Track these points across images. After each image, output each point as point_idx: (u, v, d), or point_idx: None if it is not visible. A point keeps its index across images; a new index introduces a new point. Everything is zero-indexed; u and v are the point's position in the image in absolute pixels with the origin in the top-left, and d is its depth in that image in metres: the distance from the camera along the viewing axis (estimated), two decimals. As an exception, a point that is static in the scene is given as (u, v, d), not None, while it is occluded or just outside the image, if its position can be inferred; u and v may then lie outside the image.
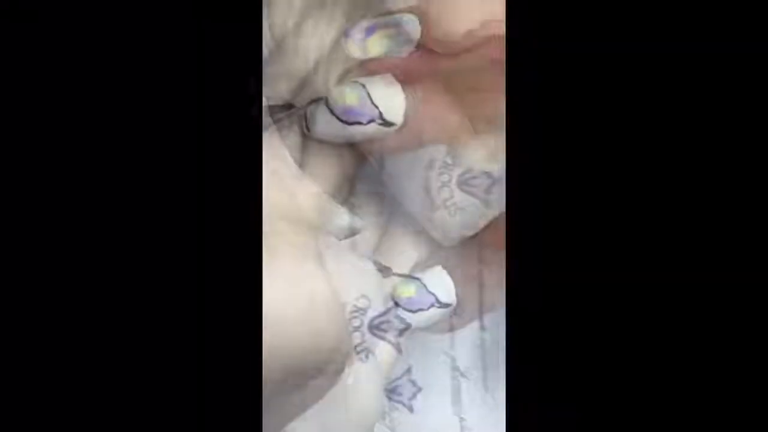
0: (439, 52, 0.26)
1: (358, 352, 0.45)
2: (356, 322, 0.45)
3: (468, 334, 0.44)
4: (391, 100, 0.26)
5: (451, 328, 0.43)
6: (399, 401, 0.44)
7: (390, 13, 0.26)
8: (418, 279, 0.28)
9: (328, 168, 0.28)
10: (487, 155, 0.28)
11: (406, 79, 0.26)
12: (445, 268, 0.43)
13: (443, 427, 0.44)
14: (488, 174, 0.44)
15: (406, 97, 0.26)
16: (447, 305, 0.28)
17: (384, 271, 0.43)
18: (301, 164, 0.27)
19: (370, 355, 0.45)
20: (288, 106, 0.27)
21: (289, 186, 0.27)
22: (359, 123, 0.26)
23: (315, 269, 0.23)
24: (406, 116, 0.26)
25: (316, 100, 0.26)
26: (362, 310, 0.45)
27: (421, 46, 0.26)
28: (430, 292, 0.27)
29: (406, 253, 0.44)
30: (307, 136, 0.27)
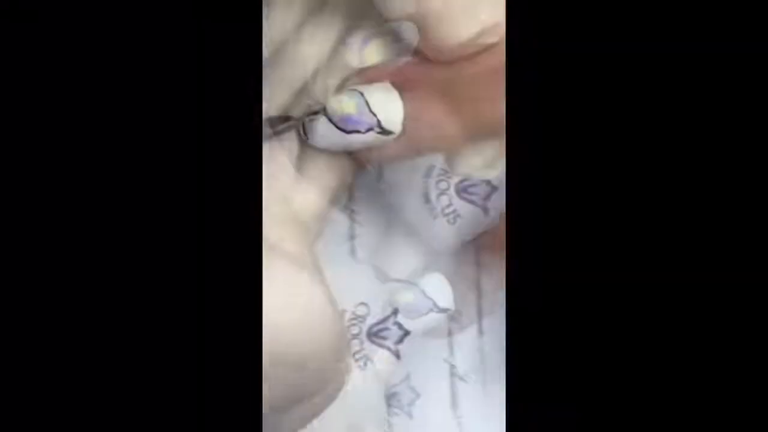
0: (438, 60, 0.26)
1: (356, 360, 0.45)
2: (355, 330, 0.45)
3: (466, 340, 0.44)
4: (389, 108, 0.26)
5: (450, 334, 0.43)
6: (398, 408, 0.44)
7: (388, 21, 0.26)
8: (416, 285, 0.28)
9: (326, 176, 0.28)
10: (485, 163, 0.28)
11: (404, 87, 0.26)
12: (443, 273, 0.43)
13: (442, 433, 0.44)
14: (487, 181, 0.44)
15: (405, 106, 0.26)
16: (445, 310, 0.28)
17: (382, 277, 0.43)
18: (300, 172, 0.27)
19: (369, 363, 0.45)
20: (286, 118, 0.27)
21: (287, 193, 0.27)
22: (357, 131, 0.26)
23: (312, 278, 0.23)
24: (404, 125, 0.26)
25: (314, 113, 0.26)
26: (361, 318, 0.45)
27: (420, 54, 0.26)
28: (428, 298, 0.27)
29: (404, 260, 0.44)
30: (305, 144, 0.27)
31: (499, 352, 0.43)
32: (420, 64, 0.26)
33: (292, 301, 0.23)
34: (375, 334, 0.44)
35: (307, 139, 0.26)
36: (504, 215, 0.43)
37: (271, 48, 0.30)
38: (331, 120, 0.26)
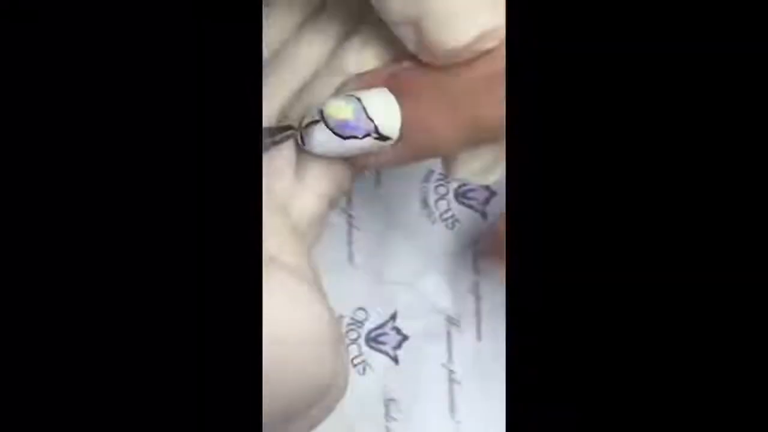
0: (436, 65, 0.26)
1: (355, 365, 0.45)
2: (353, 335, 0.45)
3: (465, 345, 0.43)
4: (386, 114, 0.26)
5: (449, 339, 0.43)
6: (396, 413, 0.44)
7: (386, 25, 0.26)
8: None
9: (323, 182, 0.27)
10: (484, 168, 0.28)
11: (401, 92, 0.26)
12: (442, 277, 0.43)
13: (441, 438, 0.44)
14: (486, 186, 0.44)
15: (402, 111, 0.26)
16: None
17: (380, 279, 0.43)
18: (297, 179, 0.27)
19: (368, 368, 0.45)
20: (284, 128, 0.27)
21: (285, 201, 0.27)
22: (355, 137, 0.26)
23: (311, 290, 0.23)
24: (401, 130, 0.26)
25: (312, 123, 0.26)
26: (359, 323, 0.45)
27: (417, 59, 0.26)
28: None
29: (403, 265, 0.44)
30: (302, 150, 0.27)
31: (497, 357, 0.43)
32: (418, 69, 0.26)
33: (291, 314, 0.23)
34: (373, 339, 0.44)
35: (304, 145, 0.26)
36: (503, 219, 0.43)
37: (269, 51, 0.30)
38: (328, 126, 0.26)
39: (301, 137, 0.26)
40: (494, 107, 0.25)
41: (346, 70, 0.27)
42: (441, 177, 0.43)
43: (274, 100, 0.28)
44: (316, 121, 0.26)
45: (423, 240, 0.43)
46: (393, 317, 0.44)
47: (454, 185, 0.43)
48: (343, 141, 0.26)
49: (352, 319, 0.44)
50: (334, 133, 0.26)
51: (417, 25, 0.25)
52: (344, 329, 0.43)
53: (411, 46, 0.26)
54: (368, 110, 0.26)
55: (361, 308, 0.44)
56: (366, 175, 0.41)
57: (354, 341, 0.44)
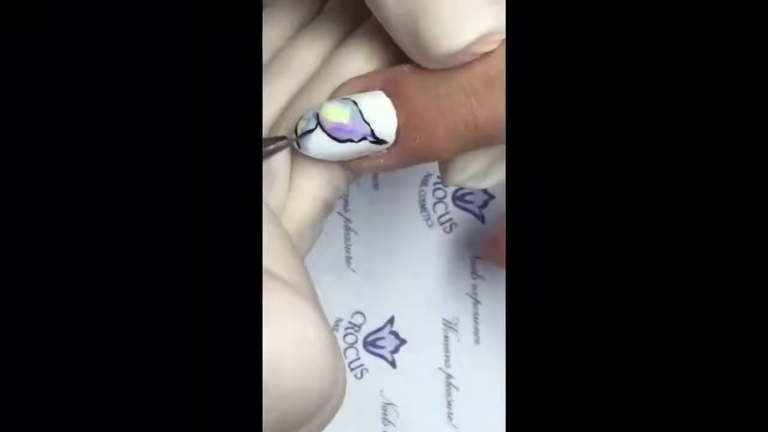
0: (433, 69, 0.26)
1: (352, 369, 0.45)
2: (351, 339, 0.45)
3: (463, 349, 0.43)
4: (383, 117, 0.26)
5: (446, 343, 0.43)
6: (393, 418, 0.44)
7: (383, 29, 0.26)
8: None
9: (319, 186, 0.27)
10: (481, 172, 0.28)
11: (397, 96, 0.26)
12: (439, 283, 0.43)
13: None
14: (484, 190, 0.44)
15: (398, 115, 0.26)
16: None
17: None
18: (292, 182, 0.27)
19: (365, 372, 0.45)
20: (277, 139, 0.27)
21: (280, 206, 0.27)
22: (351, 140, 0.26)
23: (305, 304, 0.23)
24: (398, 134, 0.26)
25: (307, 132, 0.26)
26: (357, 327, 0.45)
27: (414, 63, 0.26)
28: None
29: (400, 267, 0.44)
30: (297, 153, 0.27)
31: (495, 361, 0.43)
32: (415, 73, 0.26)
33: (286, 328, 0.23)
34: (371, 343, 0.44)
35: (300, 148, 0.26)
36: (502, 222, 0.43)
37: (268, 54, 0.30)
38: (324, 129, 0.26)
39: (297, 140, 0.26)
40: (492, 110, 0.25)
41: (343, 74, 0.27)
42: (439, 180, 0.43)
43: (272, 103, 0.28)
44: (311, 131, 0.26)
45: (421, 243, 0.43)
46: (390, 321, 0.44)
47: (452, 188, 0.43)
48: (340, 144, 0.26)
49: (350, 323, 0.44)
50: (331, 136, 0.26)
51: (414, 29, 0.25)
52: (342, 333, 0.44)
53: (408, 50, 0.26)
54: (365, 113, 0.26)
55: (358, 312, 0.44)
56: (364, 178, 0.41)
57: (351, 345, 0.44)
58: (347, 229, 0.43)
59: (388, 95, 0.26)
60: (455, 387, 0.43)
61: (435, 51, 0.25)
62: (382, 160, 0.27)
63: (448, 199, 0.44)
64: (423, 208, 0.44)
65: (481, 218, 0.43)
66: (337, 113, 0.26)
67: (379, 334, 0.44)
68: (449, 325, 0.43)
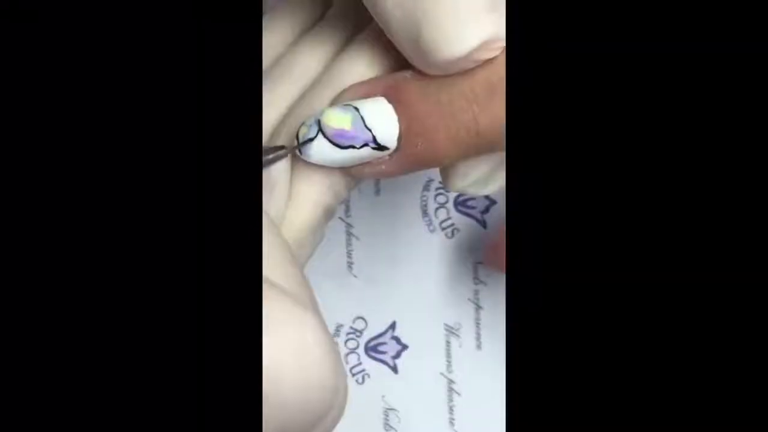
0: (434, 75, 0.26)
1: (353, 375, 0.45)
2: (352, 344, 0.45)
3: (464, 354, 0.43)
4: (384, 123, 0.26)
5: (448, 348, 0.43)
6: (396, 422, 0.44)
7: (384, 35, 0.26)
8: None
9: (320, 192, 0.27)
10: (482, 179, 0.28)
11: (400, 102, 0.26)
12: (440, 288, 0.43)
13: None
14: (486, 195, 0.44)
15: (400, 121, 0.26)
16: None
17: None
18: (293, 189, 0.27)
19: (366, 377, 0.45)
20: (276, 148, 0.27)
21: (281, 213, 0.27)
22: (353, 147, 0.26)
23: (305, 313, 0.23)
24: (399, 140, 0.26)
25: (308, 141, 0.26)
26: (358, 332, 0.45)
27: (416, 69, 0.26)
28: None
29: (402, 272, 0.44)
30: (298, 159, 0.27)
31: (497, 366, 0.43)
32: (416, 79, 0.26)
33: (289, 340, 0.22)
34: (373, 349, 0.44)
35: (302, 154, 0.26)
36: (503, 227, 0.43)
37: (269, 60, 0.30)
38: (325, 135, 0.26)
39: (299, 146, 0.26)
40: (494, 117, 0.25)
41: (344, 80, 0.27)
42: (441, 185, 0.43)
43: (273, 109, 0.28)
44: (312, 140, 0.26)
45: (423, 249, 0.43)
46: (392, 326, 0.44)
47: (453, 194, 0.43)
48: (341, 150, 0.26)
49: (352, 328, 0.44)
50: (332, 142, 0.26)
51: (416, 35, 0.25)
52: (343, 338, 0.43)
53: (410, 56, 0.26)
54: (366, 120, 0.26)
55: (360, 317, 0.44)
56: (365, 184, 0.41)
57: (353, 350, 0.44)
58: (349, 234, 0.43)
59: (389, 101, 0.26)
60: (457, 392, 0.43)
61: (436, 57, 0.25)
62: (383, 167, 0.27)
63: (450, 205, 0.44)
64: (425, 213, 0.44)
65: (483, 224, 0.43)
66: (338, 119, 0.26)
67: (380, 340, 0.44)
68: (451, 331, 0.43)
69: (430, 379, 0.43)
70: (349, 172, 0.27)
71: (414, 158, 0.26)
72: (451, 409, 0.43)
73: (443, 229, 0.43)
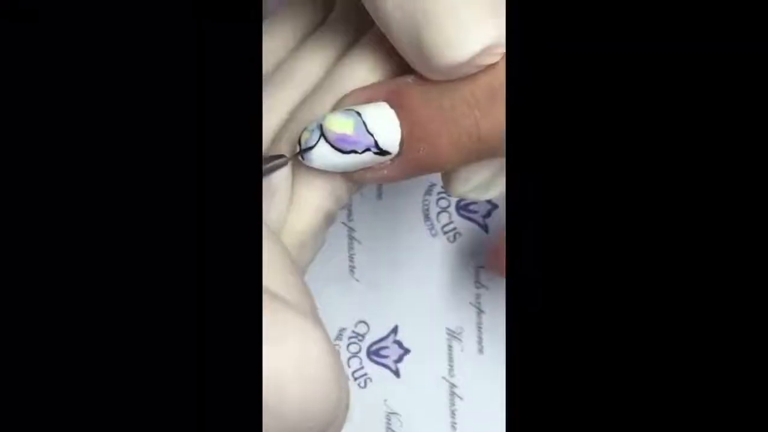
0: (436, 80, 0.26)
1: (356, 379, 0.45)
2: (354, 348, 0.45)
3: (466, 358, 0.43)
4: (386, 128, 0.26)
5: (450, 352, 0.43)
6: (398, 426, 0.44)
7: (386, 40, 0.26)
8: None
9: (322, 197, 0.27)
10: (484, 184, 0.28)
11: (402, 107, 0.26)
12: (442, 292, 0.43)
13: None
14: (487, 200, 0.44)
15: (402, 126, 0.26)
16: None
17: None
18: (294, 194, 0.27)
19: (369, 381, 0.44)
20: (275, 157, 0.27)
21: (282, 219, 0.27)
22: (355, 151, 0.26)
23: (306, 323, 0.22)
24: (401, 145, 0.26)
25: (309, 148, 0.26)
26: (360, 336, 0.45)
27: (417, 74, 0.26)
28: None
29: (404, 276, 0.44)
30: (300, 164, 0.27)
31: (499, 370, 0.43)
32: (418, 84, 0.26)
33: (291, 350, 0.22)
34: (375, 353, 0.44)
35: (304, 159, 0.26)
36: (505, 232, 0.43)
37: (270, 65, 0.30)
38: (327, 140, 0.26)
39: (301, 151, 0.26)
40: (495, 122, 0.25)
41: (346, 85, 0.27)
42: (443, 190, 0.43)
43: (275, 114, 0.28)
44: (312, 147, 0.26)
45: (424, 253, 0.43)
46: (394, 330, 0.44)
47: (455, 198, 0.43)
48: (343, 155, 0.26)
49: (354, 332, 0.44)
50: (334, 147, 0.26)
51: (418, 40, 0.25)
52: (346, 342, 0.43)
53: (412, 61, 0.26)
54: (368, 125, 0.26)
55: (362, 321, 0.44)
56: (368, 188, 0.41)
57: (355, 354, 0.44)
58: (351, 238, 0.43)
59: (391, 106, 0.26)
60: (459, 396, 0.43)
61: (438, 62, 0.25)
62: (385, 171, 0.27)
63: (452, 209, 0.44)
64: (427, 217, 0.44)
65: (485, 228, 0.43)
66: (340, 124, 0.26)
67: (382, 344, 0.44)
68: (453, 335, 0.43)
69: (432, 383, 0.43)
70: (351, 177, 0.27)
71: (416, 163, 0.26)
72: (453, 413, 0.43)
73: (445, 233, 0.43)
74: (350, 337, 0.44)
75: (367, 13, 0.26)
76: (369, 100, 0.26)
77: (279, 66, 0.29)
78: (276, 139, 0.27)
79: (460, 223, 0.43)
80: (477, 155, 0.26)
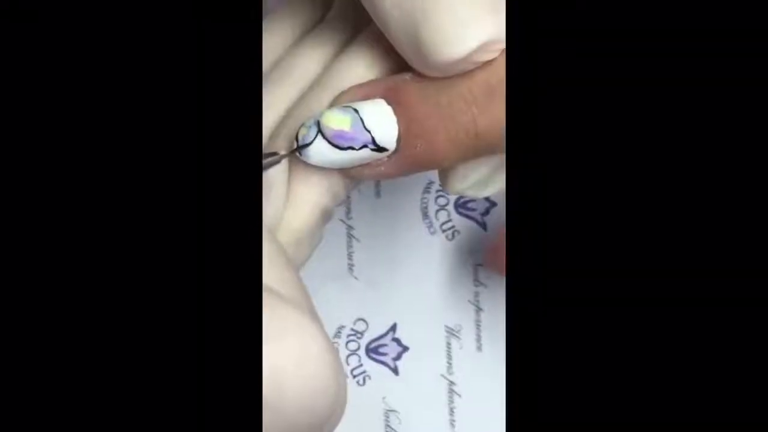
0: (433, 77, 0.26)
1: (354, 376, 0.45)
2: (353, 346, 0.45)
3: (465, 356, 0.43)
4: (384, 125, 0.26)
5: (449, 350, 0.43)
6: (396, 423, 0.44)
7: (384, 37, 0.26)
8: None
9: (319, 193, 0.27)
10: (481, 181, 0.28)
11: (399, 103, 0.26)
12: (440, 290, 0.43)
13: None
14: (486, 197, 0.44)
15: (399, 123, 0.26)
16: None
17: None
18: (291, 190, 0.27)
19: (367, 379, 0.45)
20: (270, 155, 0.27)
21: (279, 215, 0.27)
22: (352, 148, 0.26)
23: (304, 319, 0.22)
24: (399, 142, 0.26)
25: (306, 145, 0.26)
26: (359, 334, 0.45)
27: (415, 71, 0.26)
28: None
29: (403, 274, 0.44)
30: (297, 160, 0.27)
31: (497, 368, 0.43)
32: (416, 81, 0.26)
33: (290, 347, 0.22)
34: (373, 350, 0.44)
35: (301, 156, 0.26)
36: (504, 229, 0.43)
37: (268, 63, 0.30)
38: (325, 136, 0.26)
39: (298, 147, 0.26)
40: (493, 119, 0.25)
41: (344, 82, 0.27)
42: (441, 188, 0.43)
43: (273, 111, 0.28)
44: (309, 144, 0.26)
45: (423, 251, 0.43)
46: (393, 328, 0.44)
47: (454, 196, 0.43)
48: (341, 152, 0.26)
49: (352, 329, 0.44)
50: (332, 144, 0.26)
51: (415, 36, 0.25)
52: (344, 340, 0.44)
53: (409, 57, 0.26)
54: (366, 121, 0.26)
55: (361, 319, 0.44)
56: (365, 185, 0.41)
57: (354, 352, 0.44)
58: (349, 236, 0.43)
59: (389, 103, 0.26)
60: (457, 394, 0.43)
61: (436, 59, 0.25)
62: (382, 168, 0.27)
63: (451, 207, 0.44)
64: (425, 215, 0.44)
65: (484, 226, 0.43)
66: (338, 121, 0.26)
67: (381, 341, 0.44)
68: (451, 332, 0.43)
69: (431, 380, 0.43)
70: (348, 174, 0.27)
71: (413, 160, 0.26)
72: (451, 411, 0.43)
73: (444, 231, 0.43)
74: (349, 335, 0.44)
75: (365, 11, 0.26)
76: (366, 97, 0.26)
77: (277, 63, 0.29)
78: (273, 135, 0.28)
79: (458, 220, 0.43)
80: (474, 152, 0.26)
